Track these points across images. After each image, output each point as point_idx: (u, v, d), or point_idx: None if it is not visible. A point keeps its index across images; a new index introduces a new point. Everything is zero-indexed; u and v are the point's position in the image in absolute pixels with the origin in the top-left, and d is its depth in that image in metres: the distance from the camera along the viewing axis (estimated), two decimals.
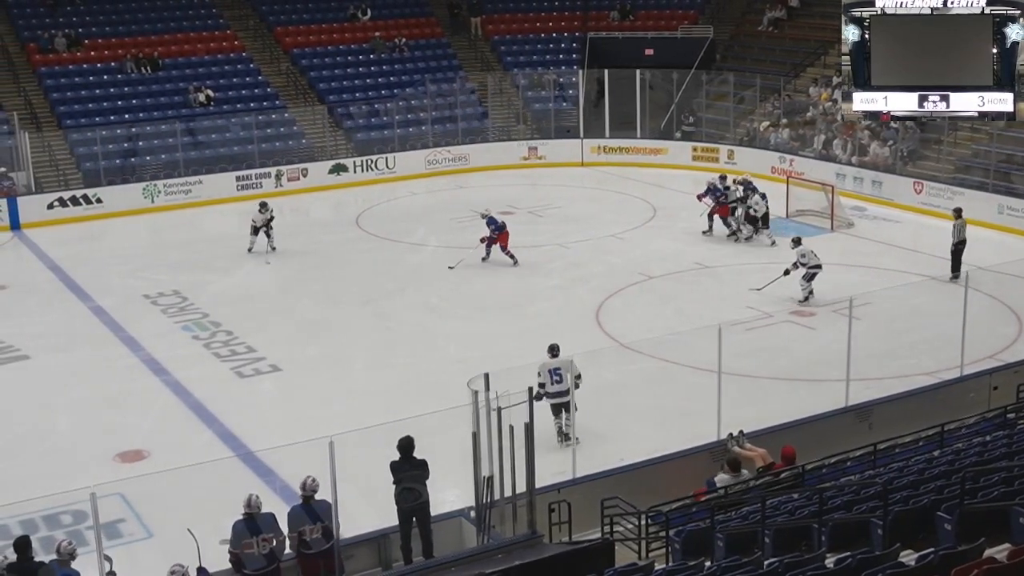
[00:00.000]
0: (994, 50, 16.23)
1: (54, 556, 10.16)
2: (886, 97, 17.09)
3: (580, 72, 36.55)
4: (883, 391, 15.80)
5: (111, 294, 22.74)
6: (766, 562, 9.06)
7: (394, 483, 11.20)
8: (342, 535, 10.90)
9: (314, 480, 10.65)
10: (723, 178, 26.04)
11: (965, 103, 16.83)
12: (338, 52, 36.74)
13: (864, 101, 17.23)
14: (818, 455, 13.21)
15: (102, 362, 19.13)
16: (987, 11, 16.13)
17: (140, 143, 31.58)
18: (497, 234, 23.84)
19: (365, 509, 12.63)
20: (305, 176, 32.01)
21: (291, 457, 13.35)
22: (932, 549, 8.68)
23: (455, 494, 12.44)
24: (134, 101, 32.99)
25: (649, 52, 36.88)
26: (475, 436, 11.00)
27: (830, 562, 8.99)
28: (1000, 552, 8.45)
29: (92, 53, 33.86)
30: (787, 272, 20.84)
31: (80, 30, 34.28)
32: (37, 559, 10.03)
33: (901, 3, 16.50)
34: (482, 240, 23.89)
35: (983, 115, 17.63)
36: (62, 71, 33.18)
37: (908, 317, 19.72)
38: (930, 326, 19.04)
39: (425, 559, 11.21)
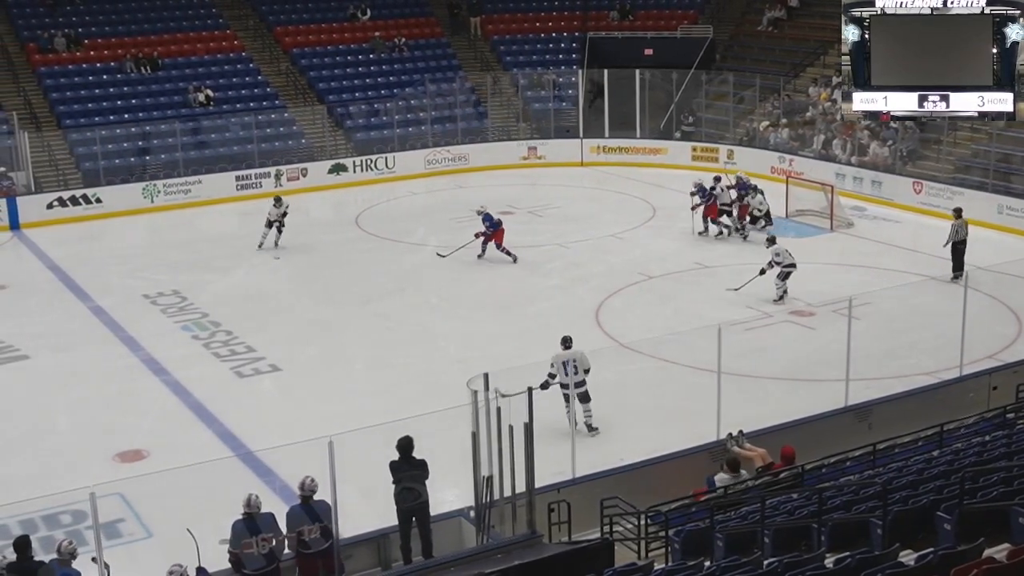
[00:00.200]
0: (994, 50, 16.20)
1: (54, 556, 10.17)
2: (886, 97, 17.06)
3: (580, 72, 36.56)
4: (882, 391, 15.81)
5: (111, 294, 22.74)
6: (765, 562, 9.06)
7: (393, 483, 11.20)
8: (342, 535, 10.90)
9: (313, 480, 10.65)
10: (718, 178, 26.02)
11: (965, 103, 16.81)
12: (338, 52, 36.75)
13: (864, 101, 17.20)
14: (817, 455, 13.22)
15: (102, 362, 19.13)
16: (987, 11, 16.10)
17: (140, 143, 31.59)
18: (492, 231, 23.94)
19: (364, 509, 12.62)
20: (305, 176, 32.00)
21: (290, 457, 13.36)
22: (931, 549, 8.68)
23: (454, 494, 12.44)
24: (134, 101, 32.99)
25: (649, 52, 36.88)
26: (475, 436, 11.00)
27: (829, 562, 8.99)
28: (999, 552, 8.45)
29: (92, 53, 33.86)
30: (763, 271, 20.92)
31: (80, 30, 34.29)
32: (37, 559, 10.04)
33: (901, 3, 16.48)
34: (477, 235, 24.04)
35: (983, 115, 17.60)
36: (62, 71, 33.18)
37: (907, 317, 19.72)
38: (929, 326, 19.04)
39: (424, 559, 11.21)
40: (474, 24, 39.04)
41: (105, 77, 33.46)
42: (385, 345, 19.60)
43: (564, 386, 15.10)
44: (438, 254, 24.37)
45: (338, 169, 32.62)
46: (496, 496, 11.08)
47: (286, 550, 10.67)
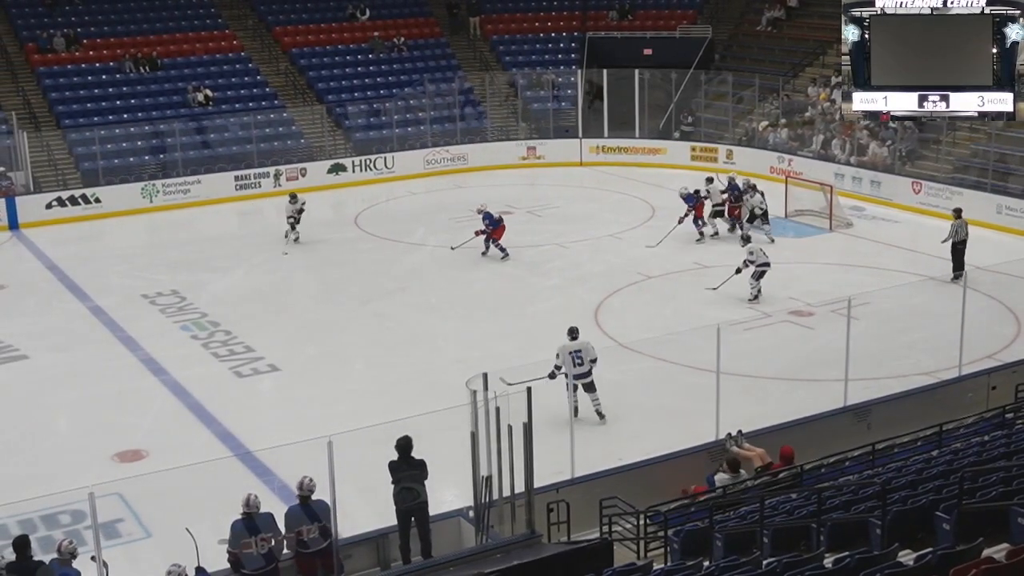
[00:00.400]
0: (994, 50, 16.21)
1: (55, 555, 10.17)
2: (886, 97, 17.07)
3: (579, 72, 36.56)
4: (881, 391, 15.80)
5: (110, 294, 22.74)
6: (764, 562, 9.05)
7: (392, 483, 11.20)
8: (341, 535, 10.90)
9: (311, 480, 10.64)
10: (710, 179, 25.99)
11: (965, 103, 16.82)
12: (337, 52, 36.74)
13: (864, 101, 17.22)
14: (816, 455, 13.22)
15: (100, 362, 19.12)
16: (987, 11, 16.11)
17: (139, 143, 31.58)
18: (492, 229, 24.06)
19: (364, 509, 12.63)
20: (304, 176, 31.98)
21: (289, 457, 13.35)
22: (930, 549, 8.67)
23: (454, 494, 12.44)
24: (133, 101, 32.98)
25: (648, 52, 36.88)
26: (474, 436, 10.99)
27: (828, 562, 8.98)
28: (998, 552, 8.45)
29: (91, 53, 33.86)
30: (738, 271, 21.00)
31: (79, 30, 34.28)
32: (36, 559, 10.03)
33: (901, 3, 16.49)
34: (477, 233, 24.19)
35: (983, 115, 17.61)
36: (61, 71, 33.16)
37: (906, 317, 19.72)
38: (928, 326, 19.04)
39: (424, 559, 11.20)
40: (473, 24, 39.04)
41: (104, 77, 33.45)
42: (384, 345, 19.60)
43: (572, 377, 15.40)
44: (451, 247, 24.44)
45: (337, 169, 32.62)
46: (495, 496, 11.08)
47: (285, 550, 10.67)
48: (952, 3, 16.26)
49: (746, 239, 21.64)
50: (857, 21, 16.70)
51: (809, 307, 20.33)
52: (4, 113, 30.66)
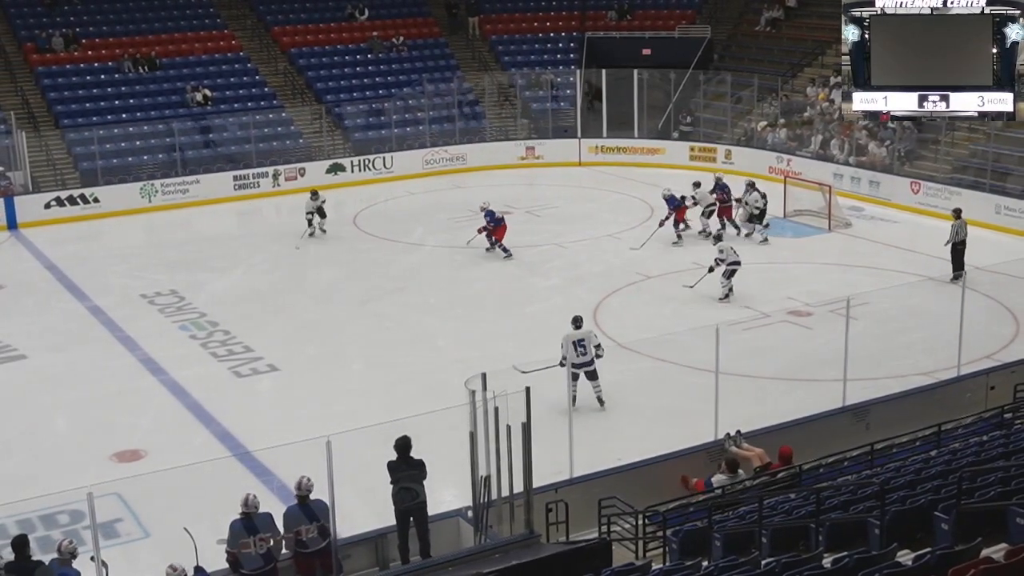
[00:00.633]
0: (994, 50, 16.20)
1: (54, 555, 10.16)
2: (886, 97, 17.06)
3: (578, 72, 36.57)
4: (880, 391, 15.79)
5: (108, 294, 22.73)
6: (763, 562, 9.04)
7: (391, 483, 11.20)
8: (339, 534, 10.89)
9: (309, 480, 10.65)
10: (697, 184, 25.95)
11: (965, 103, 16.80)
12: (336, 52, 36.74)
13: (864, 101, 17.20)
14: (815, 455, 13.22)
15: (99, 362, 19.11)
16: (987, 11, 16.10)
17: (137, 143, 31.57)
18: (494, 227, 24.15)
19: (362, 509, 12.62)
20: (303, 176, 31.96)
21: (288, 457, 13.35)
22: (929, 549, 8.67)
23: (452, 494, 12.45)
24: (131, 101, 32.97)
25: (647, 52, 36.89)
26: (472, 436, 10.99)
27: (827, 562, 8.97)
28: (997, 552, 8.45)
29: (89, 53, 33.84)
30: (711, 269, 21.08)
31: (77, 30, 34.26)
32: (34, 559, 10.03)
33: (901, 3, 16.47)
34: (479, 230, 24.32)
35: (983, 115, 17.57)
36: (59, 71, 33.15)
37: (905, 317, 19.71)
38: (927, 326, 19.04)
39: (422, 559, 11.20)
40: (472, 24, 39.03)
41: (103, 77, 33.43)
42: (383, 345, 19.60)
43: (576, 365, 15.72)
44: (468, 241, 24.67)
45: (336, 169, 32.60)
46: (494, 496, 11.08)
47: (283, 550, 10.67)
48: (952, 3, 16.25)
49: (717, 238, 21.78)
50: (857, 21, 16.69)
51: (808, 307, 20.33)
52: (3, 113, 30.64)
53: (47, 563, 10.03)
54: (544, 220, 27.98)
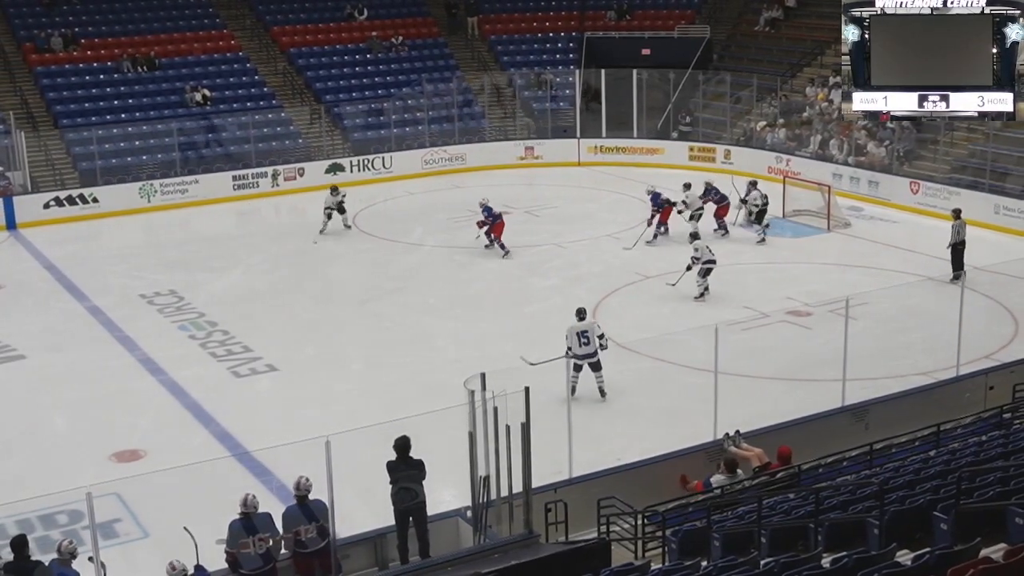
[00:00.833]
0: (994, 50, 16.19)
1: (54, 555, 10.15)
2: (886, 97, 17.04)
3: (577, 72, 36.57)
4: (879, 391, 15.80)
5: (107, 294, 22.72)
6: (762, 562, 9.04)
7: (390, 483, 11.20)
8: (338, 535, 10.89)
9: (308, 480, 10.64)
10: (687, 186, 25.92)
11: (965, 103, 16.79)
12: (335, 52, 36.73)
13: (864, 101, 17.19)
14: (814, 455, 13.22)
15: (98, 361, 19.10)
16: (987, 11, 16.08)
17: (136, 143, 31.56)
18: (492, 222, 24.24)
19: (361, 509, 12.61)
20: (302, 176, 31.96)
21: (287, 457, 13.35)
22: (928, 549, 8.67)
23: (451, 494, 12.44)
24: (131, 101, 32.96)
25: (646, 52, 36.89)
26: (471, 436, 10.98)
27: (826, 562, 8.97)
28: (996, 552, 8.46)
29: (88, 53, 33.83)
30: (688, 267, 21.17)
31: (76, 30, 34.25)
32: (33, 559, 10.02)
33: (901, 3, 16.46)
34: (479, 225, 24.48)
35: (983, 115, 17.54)
36: (58, 71, 33.14)
37: (904, 317, 19.72)
38: (926, 326, 19.04)
39: (421, 559, 11.20)
40: (471, 24, 39.03)
41: (102, 77, 33.42)
42: (382, 345, 19.59)
43: (579, 356, 16.04)
44: (476, 237, 24.81)
45: (335, 169, 32.59)
46: (493, 496, 11.08)
47: (283, 550, 10.66)
48: (952, 3, 16.24)
49: (693, 236, 21.86)
50: (857, 21, 16.68)
51: (807, 307, 20.33)
52: (2, 113, 30.63)
53: (46, 563, 10.03)
54: (543, 220, 27.97)
